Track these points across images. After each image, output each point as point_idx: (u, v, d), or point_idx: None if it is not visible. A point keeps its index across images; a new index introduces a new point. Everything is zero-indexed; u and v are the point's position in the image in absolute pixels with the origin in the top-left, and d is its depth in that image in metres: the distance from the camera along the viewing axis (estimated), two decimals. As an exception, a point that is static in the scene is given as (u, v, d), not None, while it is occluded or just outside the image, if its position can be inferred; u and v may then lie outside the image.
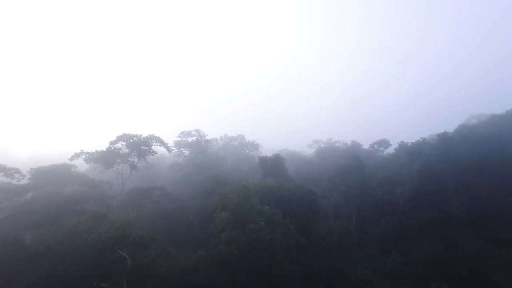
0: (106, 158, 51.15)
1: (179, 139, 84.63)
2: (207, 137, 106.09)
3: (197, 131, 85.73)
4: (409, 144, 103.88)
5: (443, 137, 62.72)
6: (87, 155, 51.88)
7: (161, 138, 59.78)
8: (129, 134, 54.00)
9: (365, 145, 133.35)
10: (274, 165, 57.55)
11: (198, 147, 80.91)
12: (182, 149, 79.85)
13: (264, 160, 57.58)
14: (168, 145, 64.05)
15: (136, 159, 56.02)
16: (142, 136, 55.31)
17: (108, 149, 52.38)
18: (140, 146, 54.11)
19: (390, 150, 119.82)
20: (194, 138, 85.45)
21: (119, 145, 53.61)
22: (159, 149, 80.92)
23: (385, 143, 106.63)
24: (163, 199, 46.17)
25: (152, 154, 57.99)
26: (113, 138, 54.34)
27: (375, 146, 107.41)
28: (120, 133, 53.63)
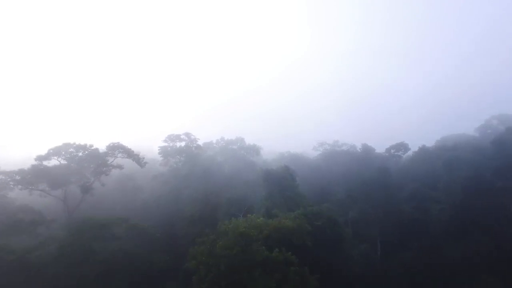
0: (33, 179, 36.38)
1: (166, 144, 71.25)
2: (202, 141, 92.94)
3: (187, 134, 72.36)
4: (431, 149, 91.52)
5: (498, 142, 49.78)
6: (4, 175, 36.85)
7: (129, 147, 45.97)
8: (74, 144, 39.52)
9: (374, 147, 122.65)
10: (282, 180, 44.38)
11: (188, 154, 67.58)
12: (170, 157, 66.39)
13: (269, 175, 44.37)
14: (140, 156, 50.06)
15: (92, 178, 41.79)
16: (93, 147, 41.20)
17: (35, 167, 37.68)
18: (97, 161, 39.98)
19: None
20: (183, 143, 72.20)
21: (55, 160, 39.34)
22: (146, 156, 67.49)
23: (403, 147, 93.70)
24: (129, 233, 32.94)
25: (106, 174, 43.73)
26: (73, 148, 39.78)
27: (392, 150, 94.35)
28: (60, 143, 38.74)
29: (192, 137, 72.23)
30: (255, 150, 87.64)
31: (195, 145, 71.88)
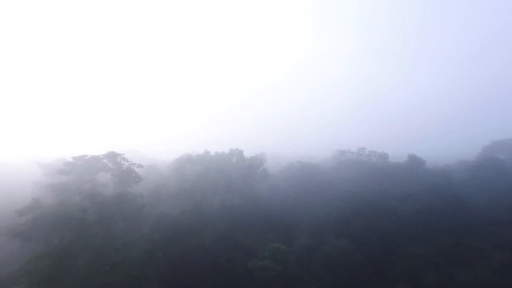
0: None
1: (81, 170, 32.66)
2: (185, 152, 55.75)
3: (111, 156, 33.49)
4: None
5: None
6: None
7: None
8: None
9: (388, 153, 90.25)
10: None
11: (111, 203, 29.81)
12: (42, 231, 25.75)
13: None
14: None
15: None
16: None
17: None
18: None
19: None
20: (104, 175, 34.35)
21: None
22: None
23: (496, 163, 57.63)
24: None
25: None
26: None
27: (473, 171, 58.39)
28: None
29: (124, 163, 33.98)
30: (262, 171, 50.10)
31: (135, 174, 33.59)
